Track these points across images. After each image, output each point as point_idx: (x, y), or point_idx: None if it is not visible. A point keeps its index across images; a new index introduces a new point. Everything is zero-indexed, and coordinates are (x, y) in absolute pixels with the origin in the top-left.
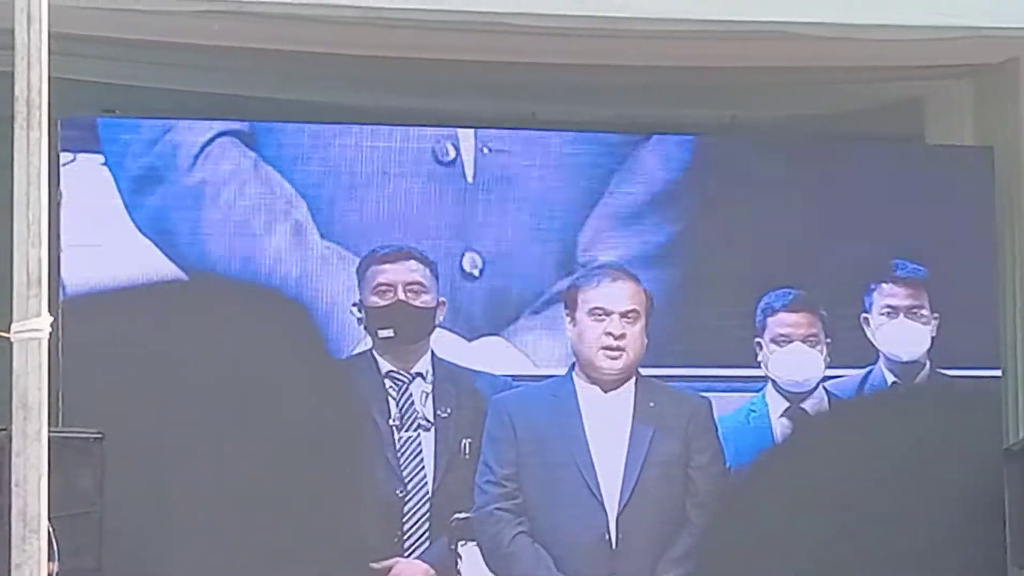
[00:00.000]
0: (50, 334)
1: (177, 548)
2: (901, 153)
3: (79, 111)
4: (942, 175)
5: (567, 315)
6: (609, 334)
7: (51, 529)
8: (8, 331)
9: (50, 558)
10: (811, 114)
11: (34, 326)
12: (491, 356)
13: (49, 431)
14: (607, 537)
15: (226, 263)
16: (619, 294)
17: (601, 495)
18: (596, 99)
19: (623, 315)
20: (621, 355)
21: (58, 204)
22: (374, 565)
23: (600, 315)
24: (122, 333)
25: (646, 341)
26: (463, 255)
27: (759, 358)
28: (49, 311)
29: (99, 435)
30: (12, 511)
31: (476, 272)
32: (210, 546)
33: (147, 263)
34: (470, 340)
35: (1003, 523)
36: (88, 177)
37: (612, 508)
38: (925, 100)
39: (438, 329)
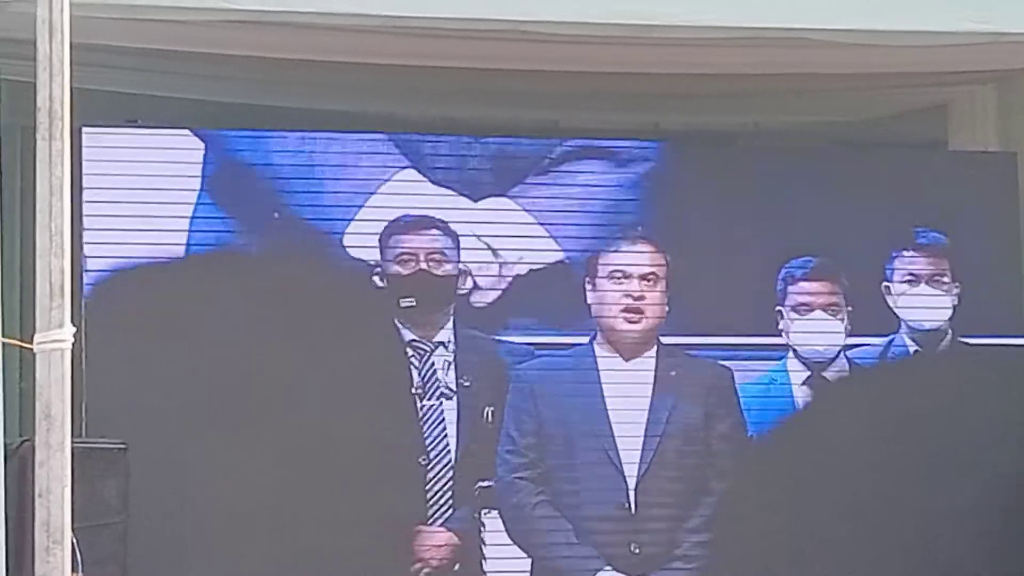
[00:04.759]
0: (73, 344)
1: (202, 543)
2: (924, 158)
3: (101, 121)
4: (965, 181)
5: (587, 281)
6: (628, 295)
7: (75, 540)
8: (31, 342)
9: (74, 568)
10: (834, 120)
11: (57, 337)
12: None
13: (73, 442)
14: (626, 506)
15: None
16: (638, 257)
17: (621, 464)
18: (618, 106)
19: (642, 277)
20: (641, 317)
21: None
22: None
23: (619, 277)
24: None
25: (667, 307)
26: None
27: (780, 327)
28: (72, 322)
29: (123, 445)
30: (36, 522)
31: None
32: (235, 533)
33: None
34: (475, 200)
35: None
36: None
37: (632, 477)
38: (949, 106)
39: (440, 195)
